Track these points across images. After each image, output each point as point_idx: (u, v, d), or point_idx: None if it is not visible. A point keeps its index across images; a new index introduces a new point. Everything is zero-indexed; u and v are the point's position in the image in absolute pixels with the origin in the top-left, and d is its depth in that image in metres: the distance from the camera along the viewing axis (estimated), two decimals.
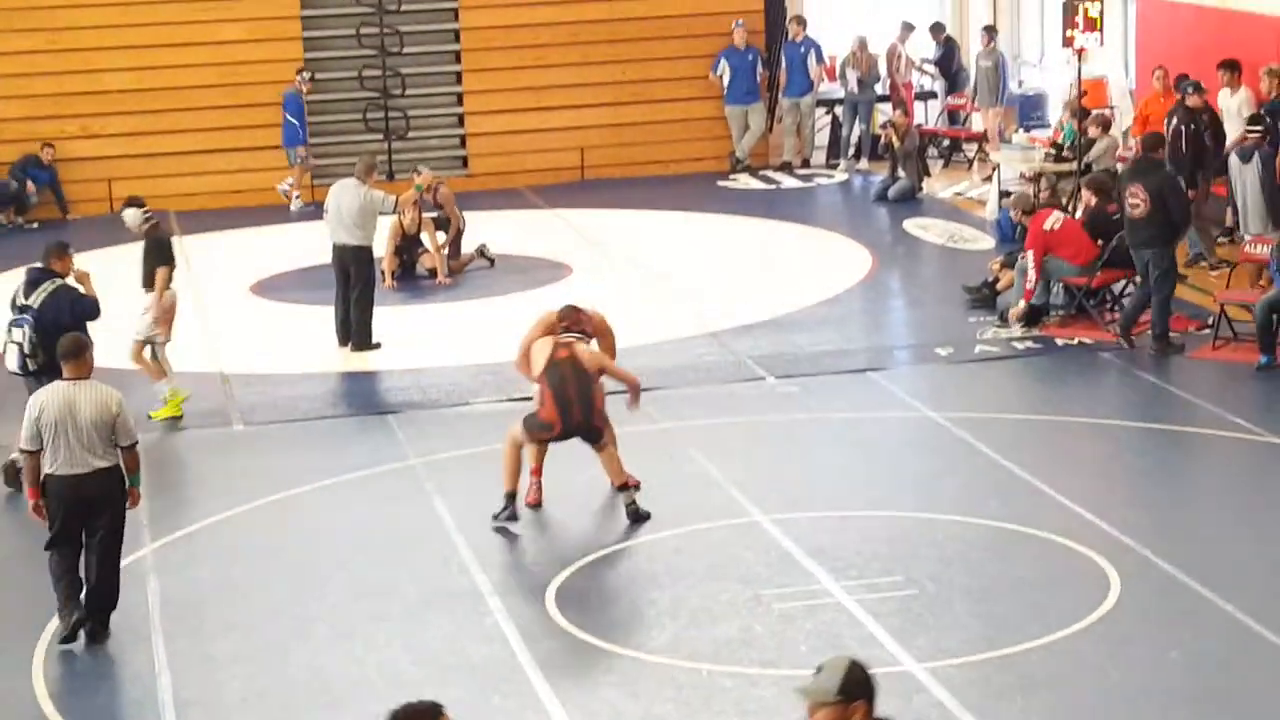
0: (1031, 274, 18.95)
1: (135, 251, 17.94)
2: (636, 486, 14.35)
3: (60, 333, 14.77)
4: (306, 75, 26.85)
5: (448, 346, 19.35)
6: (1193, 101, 20.99)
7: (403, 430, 16.70)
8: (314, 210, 24.36)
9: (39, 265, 15.68)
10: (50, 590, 12.51)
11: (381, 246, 21.03)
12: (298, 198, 26.42)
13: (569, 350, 14.16)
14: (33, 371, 15.23)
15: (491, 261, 22.72)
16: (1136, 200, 18.20)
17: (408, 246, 22.30)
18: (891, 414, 16.87)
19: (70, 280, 15.67)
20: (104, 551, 12.42)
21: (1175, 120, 21.14)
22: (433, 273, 22.14)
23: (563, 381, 14.06)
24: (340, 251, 19.22)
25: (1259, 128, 20.05)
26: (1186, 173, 20.50)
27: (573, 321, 14.54)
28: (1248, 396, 16.91)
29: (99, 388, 12.48)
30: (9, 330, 15.50)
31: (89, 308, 15.57)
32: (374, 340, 19.23)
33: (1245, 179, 19.89)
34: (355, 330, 19.21)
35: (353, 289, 19.21)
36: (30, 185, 26.05)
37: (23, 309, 15.43)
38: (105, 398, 12.38)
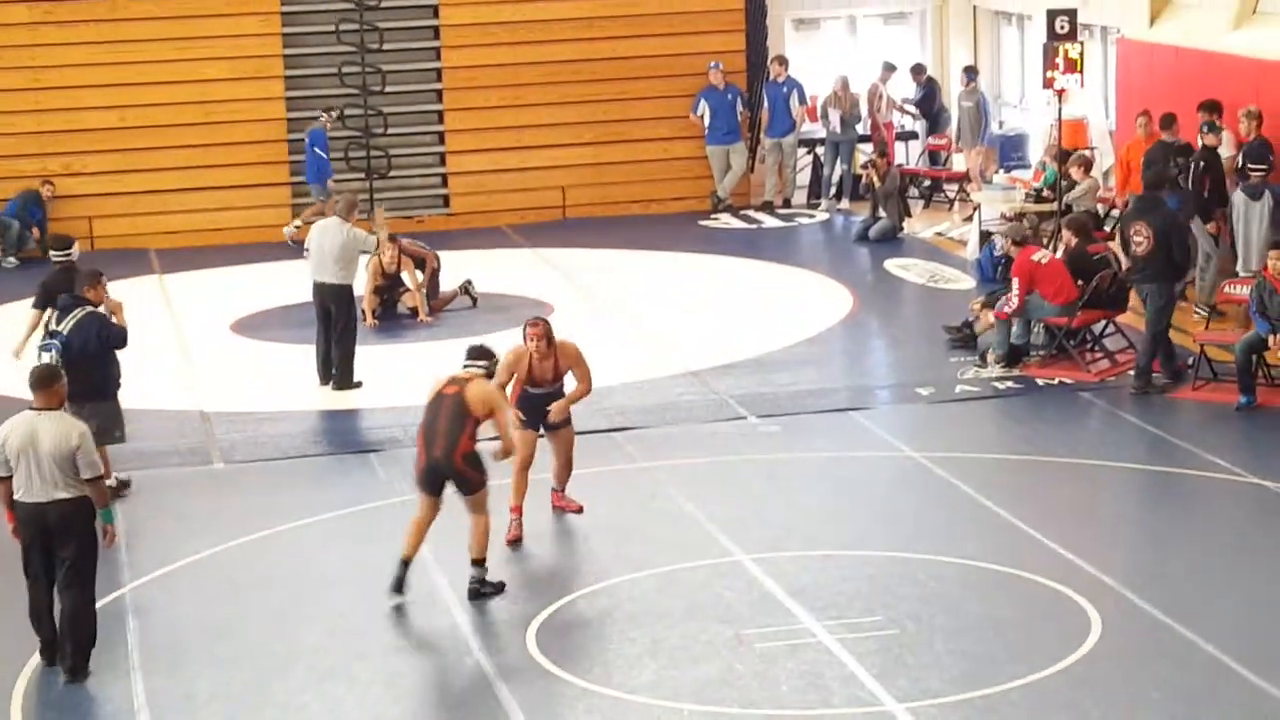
0: (1015, 300, 18.99)
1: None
2: (481, 570, 13.67)
3: (88, 359, 15.29)
4: (334, 113, 26.96)
5: (428, 385, 19.26)
6: (1209, 140, 21.02)
7: (384, 469, 16.68)
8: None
9: (72, 293, 15.89)
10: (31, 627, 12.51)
11: (362, 286, 21.03)
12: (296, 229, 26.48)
13: (459, 388, 13.61)
14: None
15: (475, 300, 22.71)
16: (1141, 237, 18.26)
17: (388, 285, 22.31)
18: (873, 453, 16.88)
19: (102, 309, 15.82)
20: (70, 584, 12.42)
21: (1193, 159, 21.18)
22: (414, 311, 22.15)
23: (434, 417, 13.55)
24: (321, 290, 19.22)
25: (1263, 166, 20.12)
26: (1201, 210, 20.62)
27: (541, 336, 14.51)
28: (1228, 437, 16.94)
29: (63, 419, 12.47)
30: (38, 354, 15.65)
31: (117, 336, 15.74)
32: (355, 379, 19.23)
33: (1252, 217, 19.96)
34: (337, 369, 19.21)
35: (334, 328, 19.21)
36: (35, 231, 26.03)
37: (52, 334, 15.68)
38: (67, 429, 12.36)
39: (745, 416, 17.97)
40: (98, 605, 12.65)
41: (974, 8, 29.60)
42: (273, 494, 16.29)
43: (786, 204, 28.52)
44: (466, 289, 22.82)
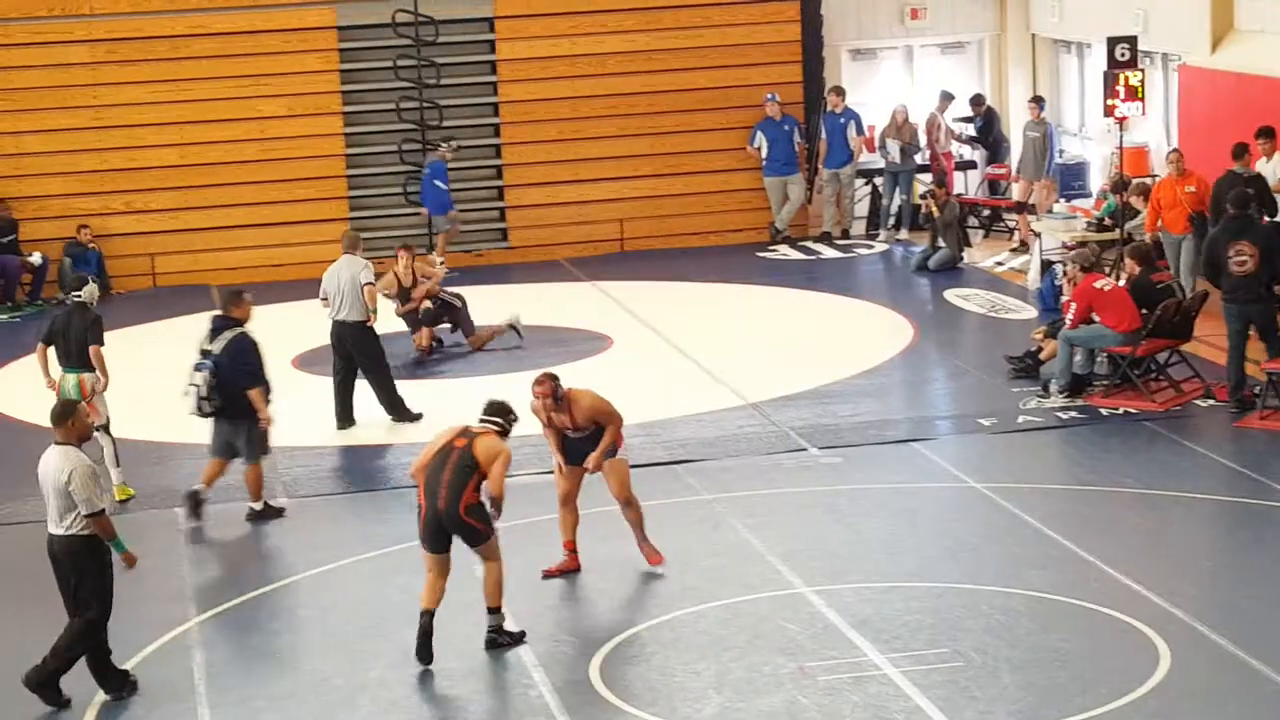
0: (1070, 320, 18.92)
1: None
2: (496, 616, 13.48)
3: (237, 379, 15.69)
4: (454, 144, 27.11)
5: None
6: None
7: None
8: (458, 276, 25.14)
9: (221, 313, 16.38)
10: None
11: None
12: (442, 263, 26.57)
13: (468, 441, 13.32)
14: (207, 414, 16.15)
15: (520, 335, 22.58)
16: (1244, 256, 18.17)
17: (433, 313, 22.22)
18: (935, 484, 16.81)
19: (248, 328, 16.31)
20: (72, 612, 12.55)
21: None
22: (429, 307, 22.08)
23: (439, 469, 13.26)
24: (340, 329, 19.16)
25: None
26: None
27: (546, 394, 14.34)
28: None
29: (67, 454, 12.47)
30: (191, 373, 16.12)
31: (246, 372, 16.19)
32: (414, 412, 19.21)
33: None
34: (385, 406, 19.19)
35: (363, 369, 19.19)
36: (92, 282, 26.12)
37: (205, 354, 16.12)
38: (61, 464, 12.43)
39: (806, 448, 17.92)
40: (162, 640, 12.70)
41: (1033, 36, 29.52)
42: (336, 528, 16.31)
43: (845, 235, 28.47)
44: (514, 325, 22.67)
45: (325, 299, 19.27)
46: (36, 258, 26.13)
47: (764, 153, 28.12)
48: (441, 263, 25.79)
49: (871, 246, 27.95)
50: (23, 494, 17.37)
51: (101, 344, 16.91)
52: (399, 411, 19.22)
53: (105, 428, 16.98)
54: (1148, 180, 24.11)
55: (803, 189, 28.36)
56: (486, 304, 24.84)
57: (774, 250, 27.84)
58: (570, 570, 14.71)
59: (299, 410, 20.25)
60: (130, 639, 13.54)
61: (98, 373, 16.84)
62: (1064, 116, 29.25)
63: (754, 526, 15.60)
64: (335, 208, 27.60)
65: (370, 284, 19.00)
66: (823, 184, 28.39)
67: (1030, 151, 27.52)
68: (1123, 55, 22.28)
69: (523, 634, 13.49)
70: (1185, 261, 21.67)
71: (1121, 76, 22.16)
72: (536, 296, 25.00)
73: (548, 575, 14.65)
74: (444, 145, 27.03)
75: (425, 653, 13.12)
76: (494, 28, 27.94)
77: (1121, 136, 23.02)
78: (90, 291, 17.27)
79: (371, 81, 27.78)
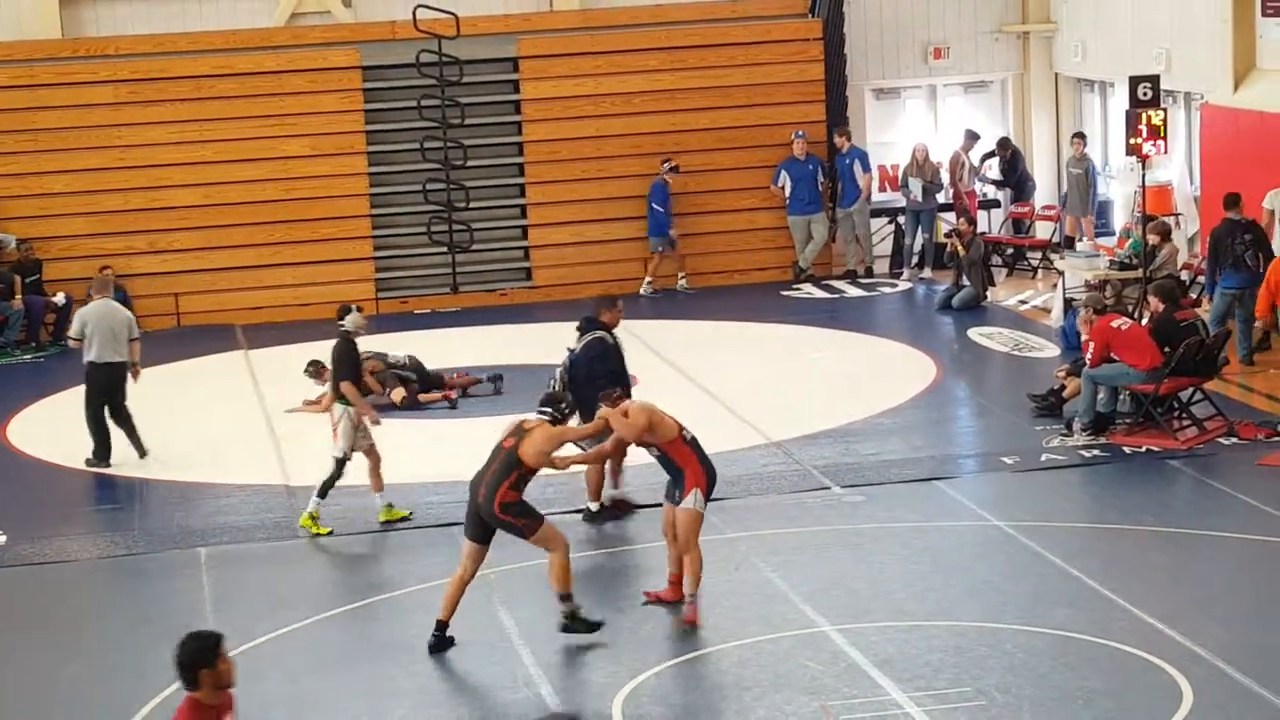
0: (1089, 358, 18.92)
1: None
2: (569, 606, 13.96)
3: (588, 381, 16.38)
4: (672, 165, 27.54)
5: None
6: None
7: None
8: (661, 299, 26.61)
9: (591, 315, 17.35)
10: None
11: None
12: (649, 283, 27.43)
13: (516, 441, 13.88)
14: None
15: (499, 391, 22.40)
16: None
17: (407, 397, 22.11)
18: (958, 523, 16.77)
19: (610, 335, 17.10)
20: None
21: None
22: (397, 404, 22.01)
23: (486, 466, 13.92)
24: (111, 369, 19.57)
25: None
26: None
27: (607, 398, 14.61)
28: None
29: None
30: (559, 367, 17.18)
31: (586, 367, 16.87)
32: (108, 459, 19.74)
33: None
34: (135, 442, 19.75)
35: (119, 404, 19.65)
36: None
37: (570, 350, 17.22)
38: None
39: (829, 487, 17.90)
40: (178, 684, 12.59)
41: (1055, 75, 29.56)
42: (358, 567, 16.31)
43: (869, 273, 28.48)
44: (494, 382, 22.47)
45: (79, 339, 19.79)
46: (60, 298, 26.21)
47: (788, 191, 28.17)
48: (649, 281, 27.53)
49: (895, 285, 27.95)
50: (45, 534, 17.42)
51: (347, 379, 17.29)
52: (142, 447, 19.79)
53: (338, 459, 17.25)
54: (1167, 220, 24.08)
55: (826, 228, 28.39)
56: (506, 342, 24.94)
57: (798, 289, 27.86)
58: (668, 601, 14.64)
59: (320, 450, 20.27)
60: (151, 679, 13.55)
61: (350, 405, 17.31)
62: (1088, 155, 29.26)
63: (777, 565, 15.58)
64: (359, 247, 27.67)
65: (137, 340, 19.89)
66: (838, 223, 28.44)
67: (1075, 188, 27.48)
68: (1145, 94, 22.28)
69: (600, 623, 13.79)
70: None
71: (1144, 115, 22.16)
72: (560, 335, 24.98)
73: (648, 601, 14.71)
74: (663, 167, 27.49)
75: (439, 648, 13.89)
76: (518, 67, 28.03)
77: (1144, 175, 23.00)
78: (353, 320, 17.56)
79: (395, 121, 27.87)
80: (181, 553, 16.86)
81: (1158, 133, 22.23)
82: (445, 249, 27.84)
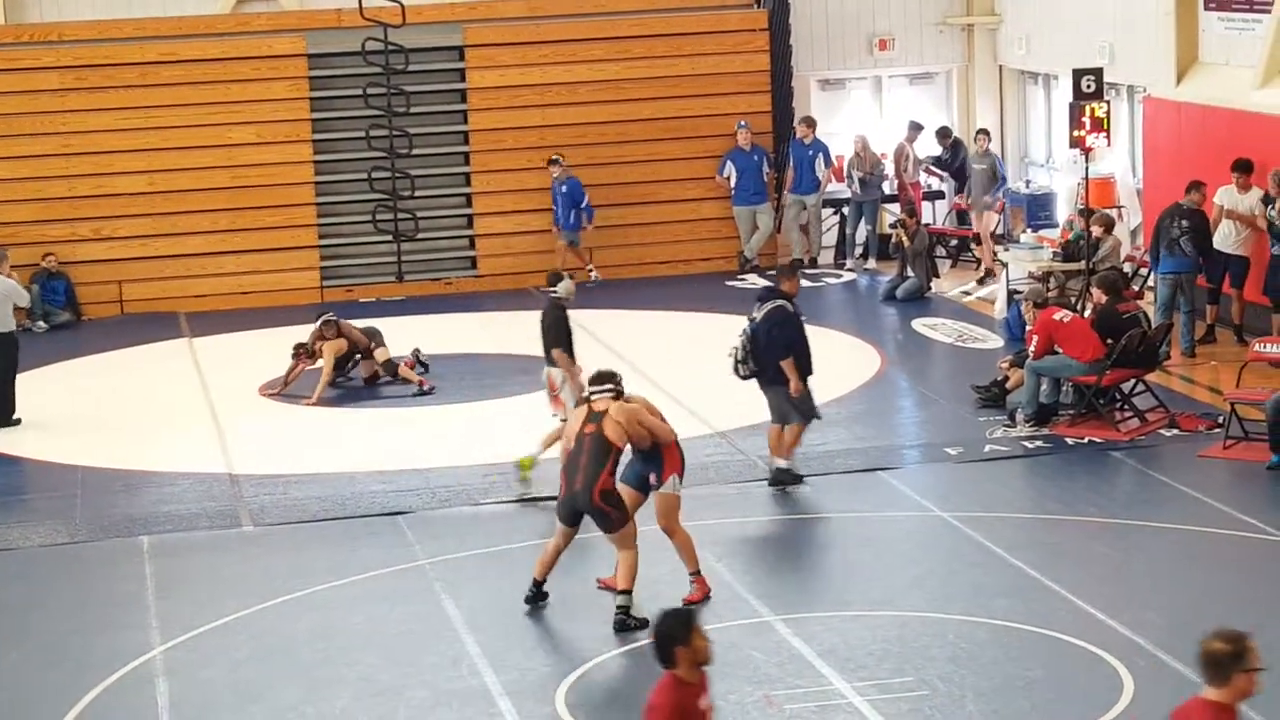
0: (1032, 350, 19.02)
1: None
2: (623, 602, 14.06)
3: (769, 348, 16.76)
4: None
5: (457, 447, 19.34)
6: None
7: (412, 531, 16.68)
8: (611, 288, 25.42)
9: (771, 284, 17.53)
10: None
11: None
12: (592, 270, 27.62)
13: (596, 426, 14.04)
14: (743, 377, 17.43)
15: (425, 368, 22.47)
16: None
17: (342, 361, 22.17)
18: (901, 513, 16.84)
19: (786, 304, 17.25)
20: None
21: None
22: (368, 380, 22.17)
23: (577, 454, 14.09)
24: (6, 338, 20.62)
25: None
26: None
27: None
28: (1259, 495, 16.87)
29: None
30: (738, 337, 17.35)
31: (779, 338, 17.10)
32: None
33: None
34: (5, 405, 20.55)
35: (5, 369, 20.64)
36: (64, 311, 26.35)
37: (751, 319, 17.30)
38: None
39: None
40: (125, 669, 12.63)
41: (1000, 68, 29.66)
42: (302, 556, 16.28)
43: (814, 264, 28.53)
44: (420, 363, 22.54)
45: None
46: None
47: (733, 182, 28.20)
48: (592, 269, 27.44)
49: (839, 276, 28.01)
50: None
51: (558, 346, 17.72)
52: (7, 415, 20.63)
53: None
54: (1109, 212, 24.19)
55: (771, 218, 28.43)
56: (454, 332, 24.93)
57: (743, 279, 27.88)
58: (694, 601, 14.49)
59: (265, 438, 20.26)
60: (93, 668, 13.52)
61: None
62: (1030, 147, 29.39)
63: (721, 555, 15.61)
64: (304, 235, 27.59)
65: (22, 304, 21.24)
66: (786, 209, 28.45)
67: (979, 183, 27.51)
68: (1088, 87, 22.41)
69: (646, 621, 13.74)
70: None
71: (1087, 108, 22.29)
72: (506, 324, 25.00)
73: (601, 586, 14.76)
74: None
75: (535, 600, 14.38)
76: (464, 56, 27.99)
77: (1087, 168, 23.12)
78: (565, 287, 18.04)
79: (341, 109, 27.80)
80: (124, 541, 16.80)
81: (1101, 125, 22.35)
82: (391, 238, 27.80)
